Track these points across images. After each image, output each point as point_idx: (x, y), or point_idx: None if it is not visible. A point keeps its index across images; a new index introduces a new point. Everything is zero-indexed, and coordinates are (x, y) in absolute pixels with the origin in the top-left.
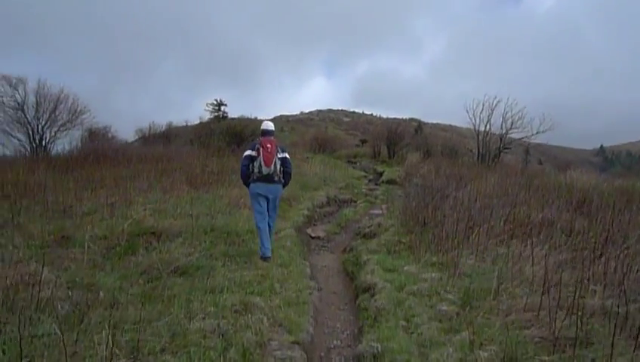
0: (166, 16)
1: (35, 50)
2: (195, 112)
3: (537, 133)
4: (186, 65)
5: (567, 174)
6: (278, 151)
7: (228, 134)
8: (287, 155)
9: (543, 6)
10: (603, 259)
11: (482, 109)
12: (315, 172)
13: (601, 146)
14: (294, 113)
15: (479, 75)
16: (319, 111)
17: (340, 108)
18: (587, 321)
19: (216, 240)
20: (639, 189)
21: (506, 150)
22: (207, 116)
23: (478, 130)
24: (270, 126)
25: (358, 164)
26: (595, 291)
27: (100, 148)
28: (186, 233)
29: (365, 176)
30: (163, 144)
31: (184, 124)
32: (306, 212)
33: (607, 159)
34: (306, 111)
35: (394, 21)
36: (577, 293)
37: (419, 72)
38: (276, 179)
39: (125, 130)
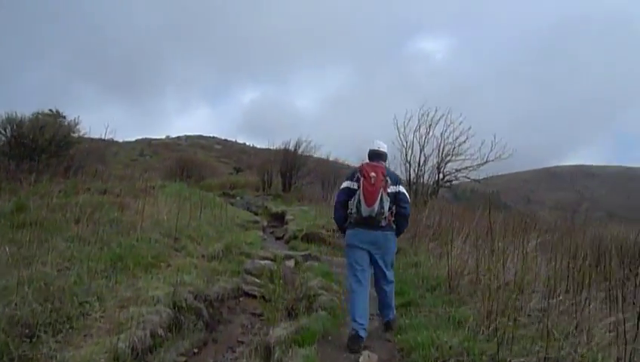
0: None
1: None
2: None
3: (487, 161)
4: (61, 66)
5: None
6: (387, 184)
7: (14, 144)
8: (403, 188)
9: (441, 56)
10: None
11: (418, 126)
12: (160, 217)
13: (450, 183)
14: (160, 137)
15: (370, 115)
16: (187, 137)
17: (212, 135)
18: None
19: None
20: None
21: (447, 183)
22: None
23: (411, 156)
24: (380, 146)
25: (239, 198)
26: None
27: None
28: None
29: (255, 222)
30: None
31: None
32: None
33: (455, 195)
34: (173, 135)
35: (293, 52)
36: None
37: (311, 106)
38: (383, 223)
39: None
